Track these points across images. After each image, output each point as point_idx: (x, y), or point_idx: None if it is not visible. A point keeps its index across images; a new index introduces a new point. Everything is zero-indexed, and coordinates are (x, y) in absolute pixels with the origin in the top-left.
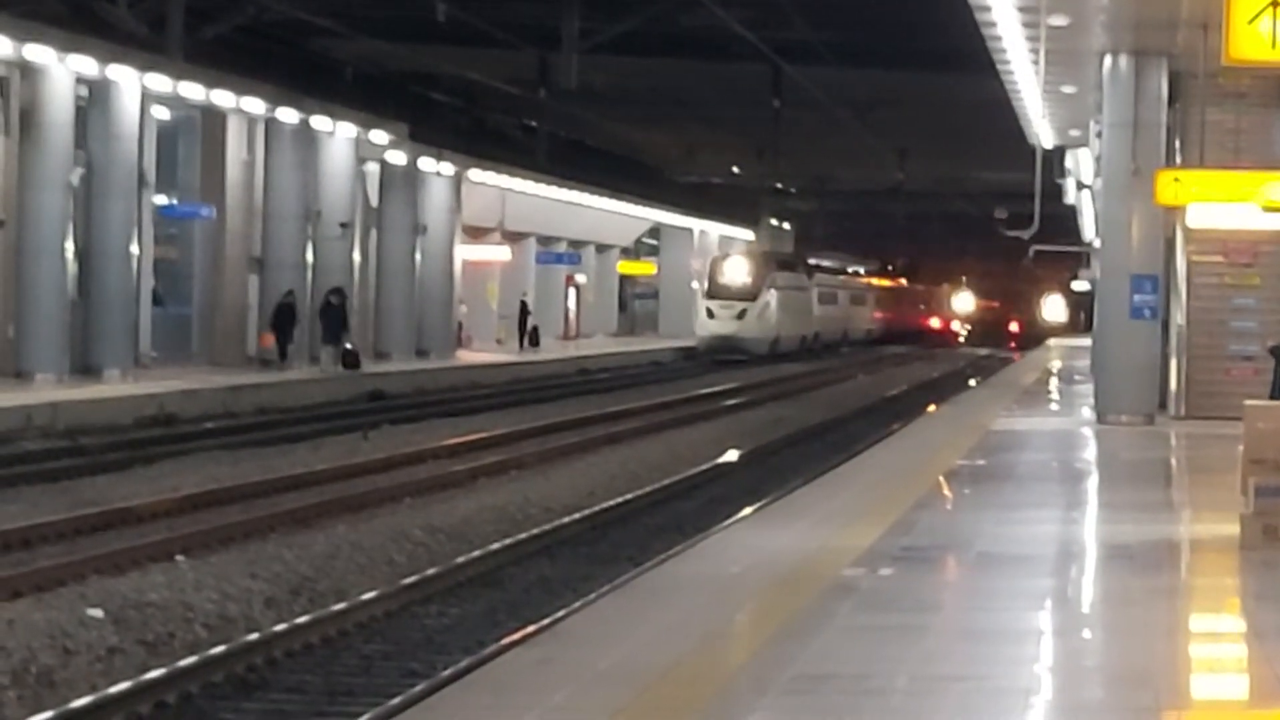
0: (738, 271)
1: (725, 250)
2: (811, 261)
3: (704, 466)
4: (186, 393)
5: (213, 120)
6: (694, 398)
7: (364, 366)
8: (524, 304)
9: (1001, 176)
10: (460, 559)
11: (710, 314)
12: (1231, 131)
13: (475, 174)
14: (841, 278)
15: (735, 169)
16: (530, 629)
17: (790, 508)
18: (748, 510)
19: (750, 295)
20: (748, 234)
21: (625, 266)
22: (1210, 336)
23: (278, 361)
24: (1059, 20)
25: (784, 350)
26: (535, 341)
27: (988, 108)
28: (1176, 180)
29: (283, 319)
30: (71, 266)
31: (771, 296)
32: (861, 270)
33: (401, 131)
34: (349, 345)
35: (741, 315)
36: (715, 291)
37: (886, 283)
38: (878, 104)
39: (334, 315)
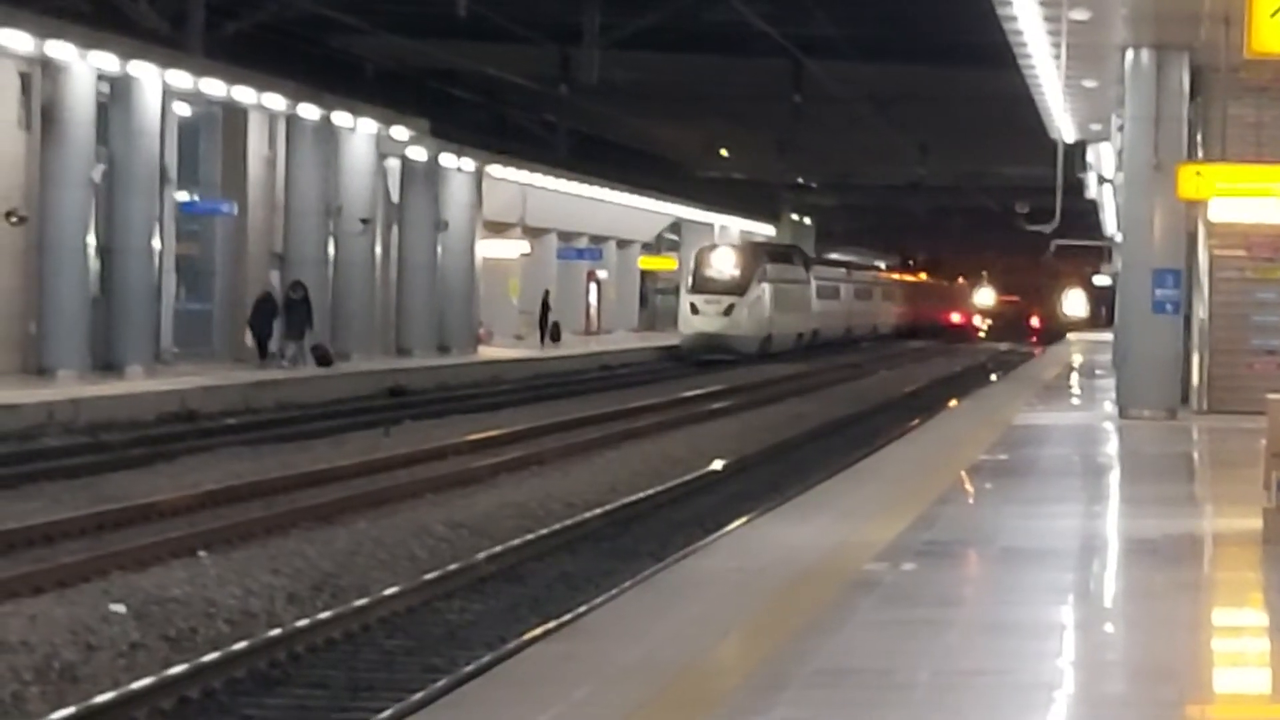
0: (724, 263)
1: (714, 241)
2: (812, 255)
3: (725, 461)
4: (208, 389)
5: (234, 117)
6: (715, 393)
7: (382, 363)
8: (546, 298)
9: (1023, 171)
10: (482, 554)
11: (694, 309)
12: (1253, 126)
13: (496, 169)
14: (845, 270)
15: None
16: (552, 624)
17: (812, 502)
18: (768, 505)
19: (738, 289)
20: (769, 229)
21: (646, 262)
22: (1232, 331)
23: (257, 359)
24: (1080, 15)
25: (777, 349)
26: (556, 337)
27: (1009, 102)
28: (1198, 174)
29: (262, 316)
30: (93, 263)
31: (762, 290)
32: (883, 265)
33: (422, 127)
34: (316, 341)
35: (728, 311)
36: (700, 285)
37: (900, 276)
38: (899, 99)
39: (297, 311)
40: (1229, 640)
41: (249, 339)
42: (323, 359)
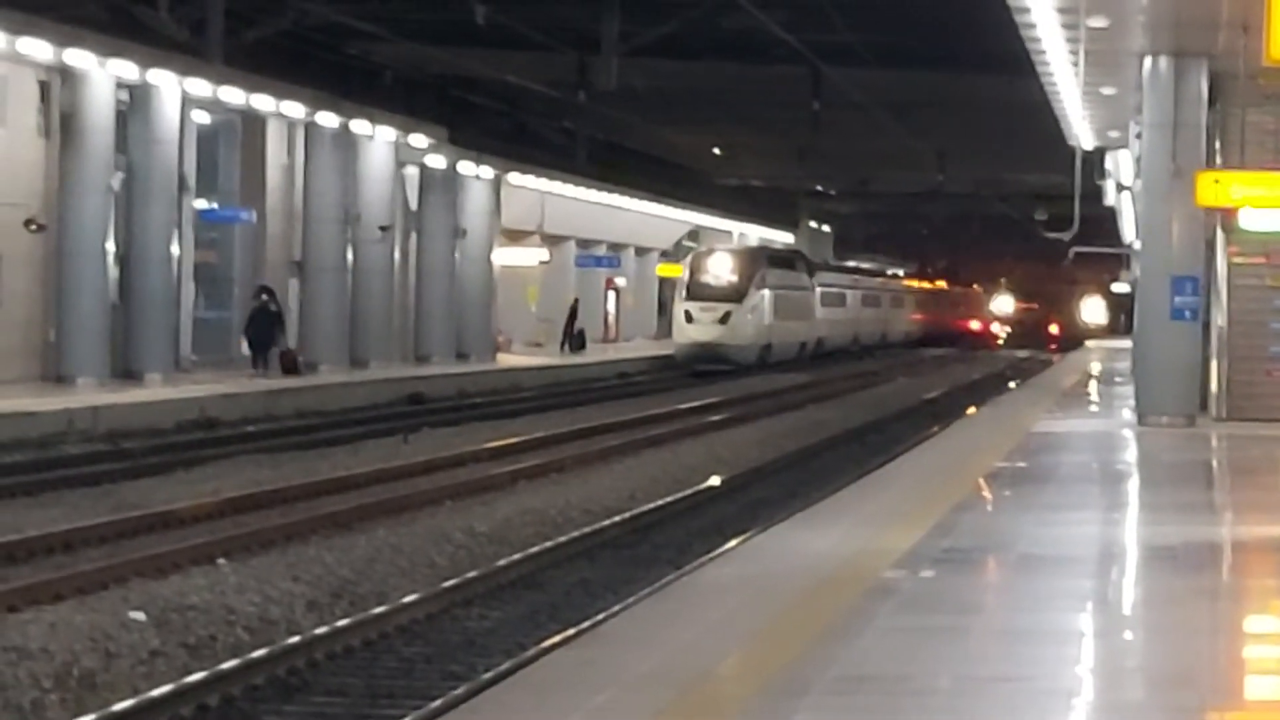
0: (721, 269)
1: (710, 245)
2: (818, 261)
3: (745, 469)
4: (227, 396)
5: (253, 124)
6: (734, 400)
7: (400, 370)
8: (574, 307)
9: (1041, 178)
10: (501, 561)
11: (689, 318)
12: (1272, 133)
13: (515, 177)
14: (852, 276)
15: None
16: (571, 631)
17: (831, 510)
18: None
19: (736, 296)
20: (788, 236)
21: (665, 269)
22: (1251, 338)
23: (256, 370)
24: (1098, 22)
25: (778, 359)
26: (581, 345)
27: (1027, 109)
28: (1216, 181)
29: (258, 324)
30: (112, 270)
31: (761, 298)
32: (900, 271)
33: (441, 135)
34: (285, 348)
35: (725, 319)
36: (695, 292)
37: (914, 283)
38: (917, 106)
39: (264, 317)
40: (1249, 647)
41: (244, 347)
42: (289, 367)
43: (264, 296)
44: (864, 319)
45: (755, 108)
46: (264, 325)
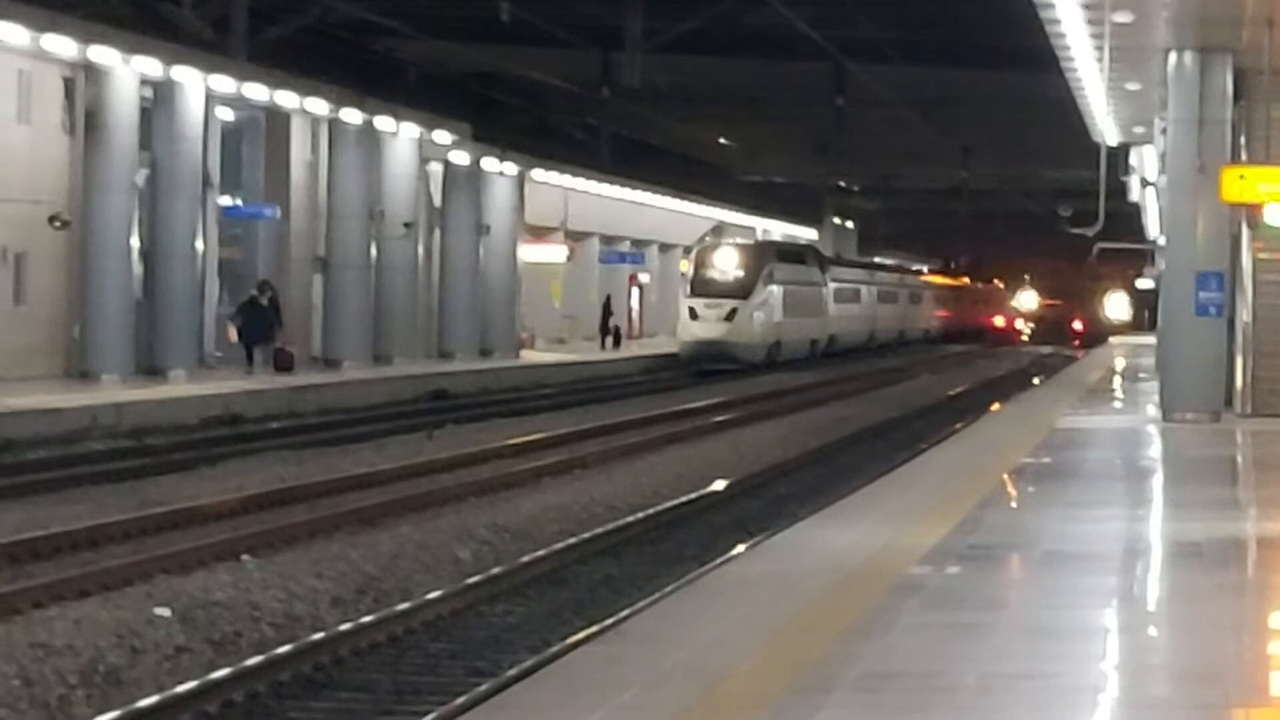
0: (727, 264)
1: (716, 239)
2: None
3: (767, 465)
4: (250, 393)
5: (277, 121)
6: (757, 396)
7: (424, 367)
8: (608, 304)
9: (1065, 174)
10: (525, 558)
11: (693, 315)
12: None
13: (538, 174)
14: (868, 272)
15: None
16: (596, 628)
17: (855, 506)
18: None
19: (742, 292)
20: (811, 232)
21: (688, 266)
22: (1276, 333)
23: (246, 365)
24: (1123, 17)
25: (787, 358)
26: (618, 341)
27: (1051, 105)
28: (1241, 177)
29: (251, 318)
30: (136, 267)
31: (769, 293)
32: (925, 268)
33: (464, 131)
34: (280, 344)
35: (730, 316)
36: (700, 288)
37: (936, 279)
38: (941, 102)
39: (260, 313)
40: (1275, 643)
41: (232, 335)
42: (282, 364)
43: (266, 291)
44: (881, 315)
45: (779, 104)
46: (258, 321)
